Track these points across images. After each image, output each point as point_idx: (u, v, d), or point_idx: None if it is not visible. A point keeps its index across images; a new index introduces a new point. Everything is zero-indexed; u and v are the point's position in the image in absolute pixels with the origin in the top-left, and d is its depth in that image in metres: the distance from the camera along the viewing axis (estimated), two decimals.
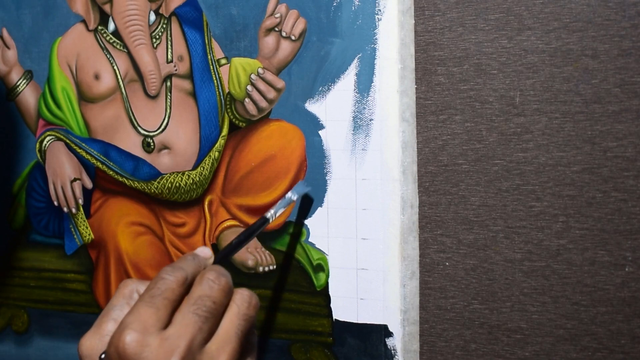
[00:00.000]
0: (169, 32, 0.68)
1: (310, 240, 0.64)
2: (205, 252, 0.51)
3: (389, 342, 0.62)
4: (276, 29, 0.63)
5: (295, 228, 0.64)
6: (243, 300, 0.46)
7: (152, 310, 0.43)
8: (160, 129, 0.69)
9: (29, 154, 0.75)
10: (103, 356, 0.44)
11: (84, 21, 0.71)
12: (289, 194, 0.61)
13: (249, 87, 0.65)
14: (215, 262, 0.50)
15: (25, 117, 0.75)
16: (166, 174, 0.69)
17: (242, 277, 0.66)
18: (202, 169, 0.67)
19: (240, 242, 0.55)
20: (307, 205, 0.63)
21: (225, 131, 0.66)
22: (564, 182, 0.56)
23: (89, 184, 0.73)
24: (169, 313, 0.44)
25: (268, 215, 0.58)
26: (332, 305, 0.64)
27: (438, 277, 0.60)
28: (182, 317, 0.43)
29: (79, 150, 0.73)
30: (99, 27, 0.71)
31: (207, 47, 0.66)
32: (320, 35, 0.62)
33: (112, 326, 0.45)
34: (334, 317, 0.64)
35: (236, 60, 0.65)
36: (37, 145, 0.75)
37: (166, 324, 0.43)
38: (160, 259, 0.70)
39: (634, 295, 0.54)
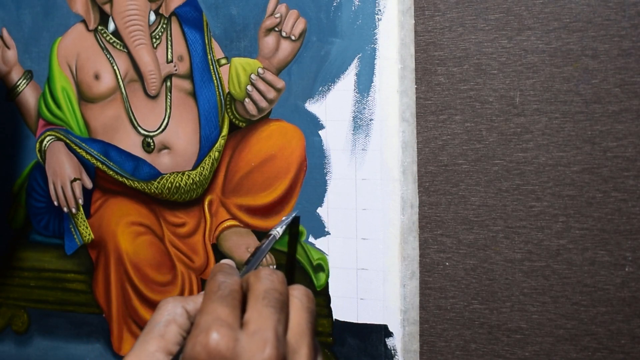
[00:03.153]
0: (169, 32, 0.68)
1: (310, 240, 0.64)
2: (231, 263, 0.51)
3: (389, 342, 0.61)
4: (276, 29, 0.63)
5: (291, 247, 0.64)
6: (302, 295, 0.45)
7: (228, 309, 0.42)
8: (160, 129, 0.69)
9: (29, 154, 0.75)
10: None
11: (84, 21, 0.71)
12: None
13: (249, 87, 0.65)
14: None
15: (25, 117, 0.75)
16: (166, 174, 0.69)
17: None
18: (202, 169, 0.67)
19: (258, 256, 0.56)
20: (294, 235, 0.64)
21: (225, 131, 0.66)
22: (564, 182, 0.56)
23: (89, 184, 0.73)
24: (240, 313, 0.43)
25: (273, 232, 0.59)
26: (332, 305, 0.64)
27: (438, 277, 0.60)
28: (258, 312, 0.42)
29: (79, 150, 0.73)
30: (99, 27, 0.71)
31: (207, 47, 0.66)
32: (320, 35, 0.62)
33: (158, 343, 0.43)
34: (334, 317, 0.64)
35: (236, 60, 0.65)
36: (37, 145, 0.75)
37: (240, 323, 0.42)
38: (160, 259, 0.70)
39: (634, 295, 0.54)
